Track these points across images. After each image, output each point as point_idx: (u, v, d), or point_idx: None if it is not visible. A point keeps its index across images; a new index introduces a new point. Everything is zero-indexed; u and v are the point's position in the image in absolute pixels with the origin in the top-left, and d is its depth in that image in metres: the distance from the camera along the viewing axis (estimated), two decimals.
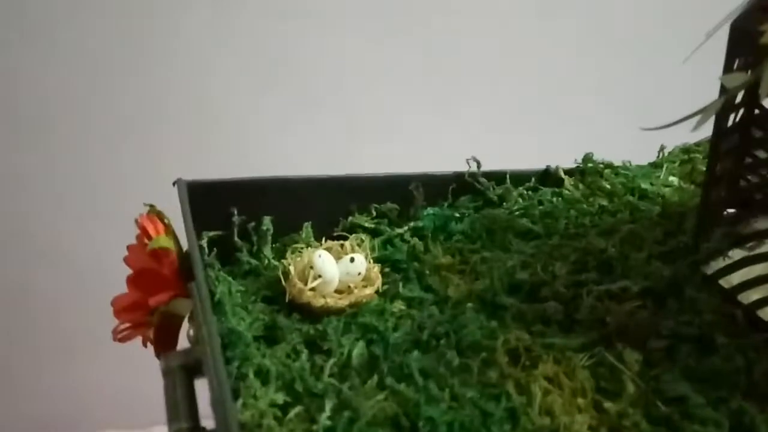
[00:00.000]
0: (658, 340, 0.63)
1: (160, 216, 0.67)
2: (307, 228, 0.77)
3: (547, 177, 0.90)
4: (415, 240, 0.79)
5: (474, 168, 0.85)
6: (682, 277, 0.69)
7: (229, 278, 0.69)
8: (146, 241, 0.64)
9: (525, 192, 0.87)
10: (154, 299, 0.59)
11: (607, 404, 0.56)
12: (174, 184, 0.71)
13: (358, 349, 0.61)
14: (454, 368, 0.59)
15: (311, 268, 0.68)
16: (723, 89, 0.61)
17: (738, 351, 0.60)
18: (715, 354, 0.61)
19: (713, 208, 0.70)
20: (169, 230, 0.66)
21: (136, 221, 0.65)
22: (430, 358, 0.60)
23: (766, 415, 0.55)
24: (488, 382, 0.58)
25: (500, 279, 0.71)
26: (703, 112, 0.58)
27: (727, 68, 0.63)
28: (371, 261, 0.72)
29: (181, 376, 0.54)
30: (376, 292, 0.70)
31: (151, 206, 0.67)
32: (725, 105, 0.62)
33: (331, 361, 0.59)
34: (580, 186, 0.88)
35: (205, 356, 0.47)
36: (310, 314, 0.67)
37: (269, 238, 0.74)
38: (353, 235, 0.76)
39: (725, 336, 0.61)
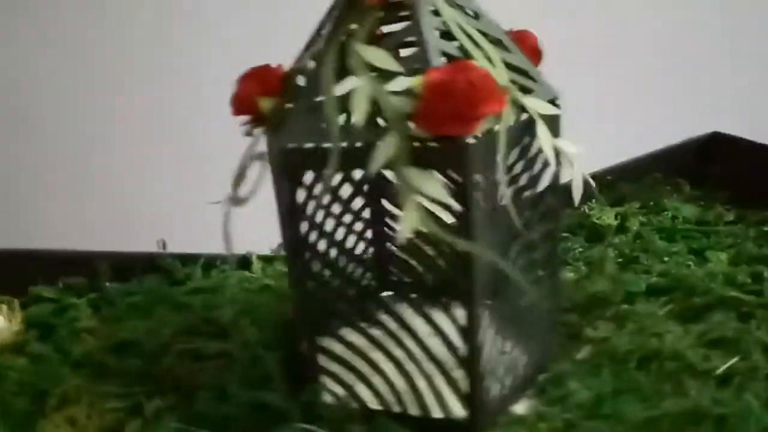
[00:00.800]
0: (204, 392, 0.72)
1: None
2: None
3: (246, 260, 1.02)
4: (85, 309, 0.92)
5: (162, 250, 0.99)
6: (266, 343, 0.79)
7: None
8: None
9: (215, 273, 0.99)
10: None
11: None
12: None
13: None
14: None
15: None
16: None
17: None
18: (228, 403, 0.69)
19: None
20: None
21: None
22: None
23: None
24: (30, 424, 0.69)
25: (110, 340, 0.82)
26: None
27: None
28: (13, 321, 0.85)
29: None
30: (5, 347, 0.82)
31: None
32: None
33: None
34: (264, 270, 1.00)
35: None
36: None
37: None
38: None
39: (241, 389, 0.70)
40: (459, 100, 0.53)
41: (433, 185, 0.54)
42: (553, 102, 0.66)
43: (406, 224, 0.54)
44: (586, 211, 1.09)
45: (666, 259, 0.94)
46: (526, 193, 0.66)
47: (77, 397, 0.73)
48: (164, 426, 0.67)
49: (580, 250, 1.00)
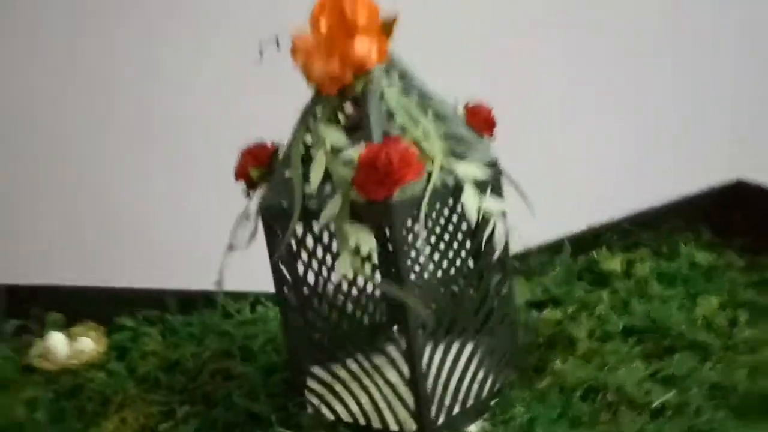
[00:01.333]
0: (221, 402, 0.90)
1: None
2: (84, 323, 1.15)
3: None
4: (156, 336, 1.13)
5: (218, 288, 1.19)
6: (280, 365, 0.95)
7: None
8: None
9: (260, 308, 1.18)
10: None
11: None
12: None
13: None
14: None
15: (46, 343, 1.05)
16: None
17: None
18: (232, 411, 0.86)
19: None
20: None
21: None
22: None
23: None
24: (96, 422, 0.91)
25: (165, 361, 1.02)
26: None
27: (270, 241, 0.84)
28: (100, 344, 1.08)
29: None
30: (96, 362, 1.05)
31: None
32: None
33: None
34: None
35: None
36: (41, 372, 1.03)
37: (52, 326, 1.13)
38: (87, 324, 1.12)
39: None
40: (380, 171, 0.68)
41: (364, 237, 0.69)
42: (493, 164, 0.79)
43: (341, 267, 0.69)
44: (594, 256, 1.17)
45: (655, 302, 1.01)
46: (466, 246, 0.79)
47: (131, 403, 0.94)
48: (188, 427, 0.86)
49: (582, 293, 1.09)
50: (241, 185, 0.83)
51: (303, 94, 0.79)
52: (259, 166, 0.81)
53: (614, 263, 1.14)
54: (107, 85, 1.08)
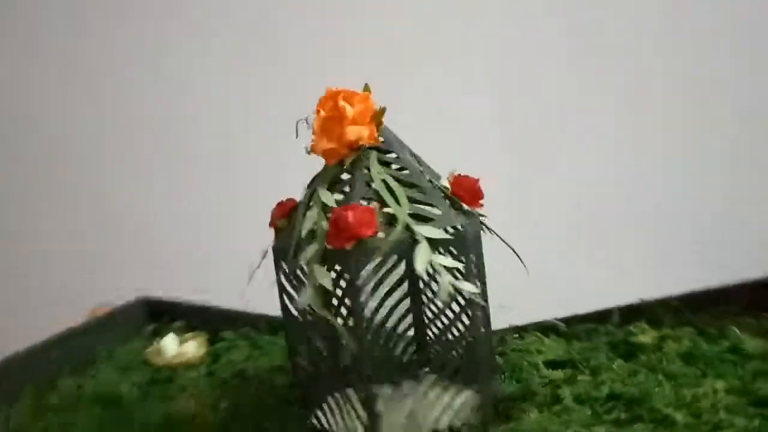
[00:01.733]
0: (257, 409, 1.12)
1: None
2: (198, 332, 1.46)
3: None
4: (244, 350, 1.40)
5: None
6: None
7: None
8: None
9: None
10: None
11: None
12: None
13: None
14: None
15: (160, 343, 1.38)
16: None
17: None
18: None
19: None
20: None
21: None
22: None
23: None
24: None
25: (237, 367, 1.28)
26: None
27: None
28: (201, 350, 1.38)
29: None
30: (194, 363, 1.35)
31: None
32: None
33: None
34: None
35: None
36: (151, 365, 1.35)
37: (174, 331, 1.46)
38: (198, 333, 1.42)
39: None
40: (340, 227, 0.87)
41: (324, 277, 0.88)
42: (455, 228, 0.92)
43: (302, 299, 0.88)
44: (632, 329, 1.20)
45: (659, 377, 1.03)
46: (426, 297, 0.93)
47: (196, 394, 1.20)
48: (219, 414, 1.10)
49: (603, 360, 1.13)
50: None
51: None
52: (283, 217, 1.04)
53: (647, 337, 1.17)
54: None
